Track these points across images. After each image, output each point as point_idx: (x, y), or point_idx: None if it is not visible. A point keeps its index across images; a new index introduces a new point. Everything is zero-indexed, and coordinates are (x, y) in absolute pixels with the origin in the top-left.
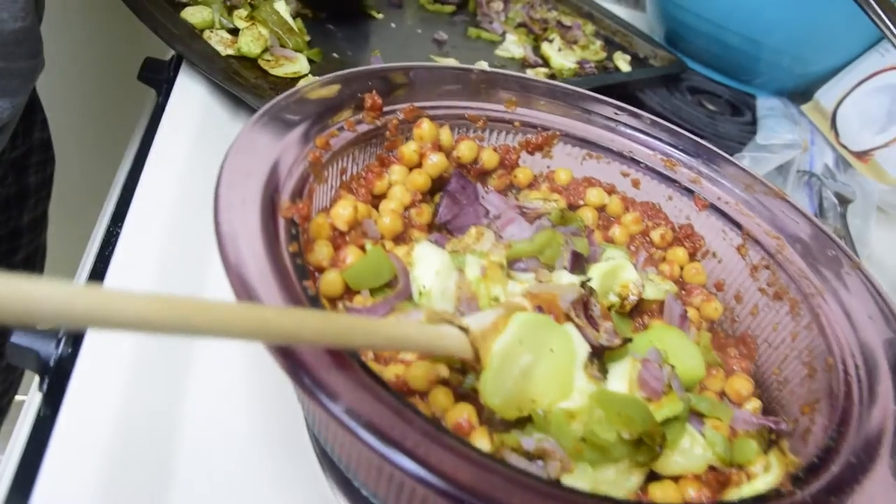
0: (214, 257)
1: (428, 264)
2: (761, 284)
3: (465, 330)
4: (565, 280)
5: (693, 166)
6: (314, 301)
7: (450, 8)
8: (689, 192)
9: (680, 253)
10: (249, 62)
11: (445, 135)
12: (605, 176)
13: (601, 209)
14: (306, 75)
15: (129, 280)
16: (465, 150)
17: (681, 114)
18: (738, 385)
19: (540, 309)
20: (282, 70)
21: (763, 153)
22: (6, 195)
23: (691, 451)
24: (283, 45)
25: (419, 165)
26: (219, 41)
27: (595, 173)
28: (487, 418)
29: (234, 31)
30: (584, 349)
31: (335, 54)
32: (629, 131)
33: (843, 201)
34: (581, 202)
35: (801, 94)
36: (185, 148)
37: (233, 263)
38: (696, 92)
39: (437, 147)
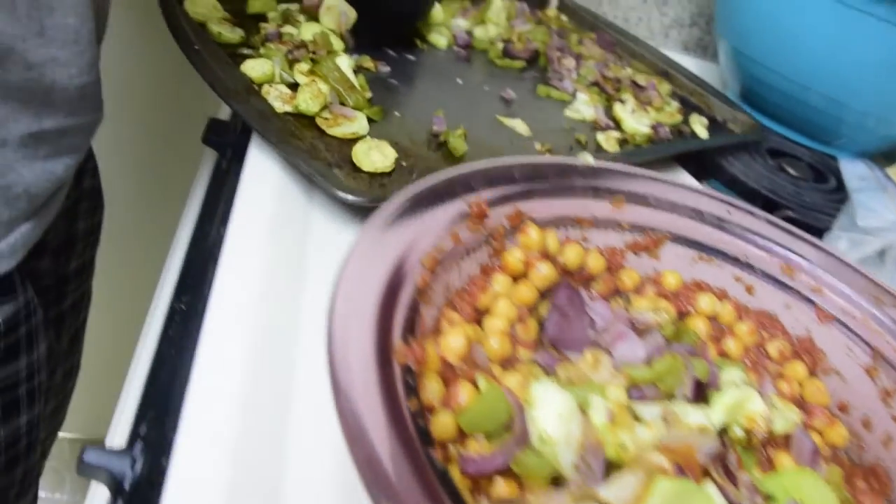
0: (302, 362)
1: (549, 407)
2: (895, 412)
3: None
4: (693, 419)
5: (813, 273)
6: (443, 476)
7: (520, 63)
8: (810, 301)
9: (799, 369)
10: (307, 120)
11: (552, 240)
12: (716, 280)
13: (713, 317)
14: (364, 136)
15: (216, 384)
16: (572, 255)
17: (764, 182)
18: None
19: (679, 468)
20: (339, 130)
21: (862, 235)
22: (55, 243)
23: None
24: (342, 103)
25: (524, 275)
26: (277, 97)
27: (705, 276)
28: None
29: (294, 86)
30: None
31: (397, 112)
32: (743, 231)
33: None
34: (691, 309)
35: (883, 154)
36: (263, 230)
37: (351, 425)
38: (776, 154)
39: (545, 255)
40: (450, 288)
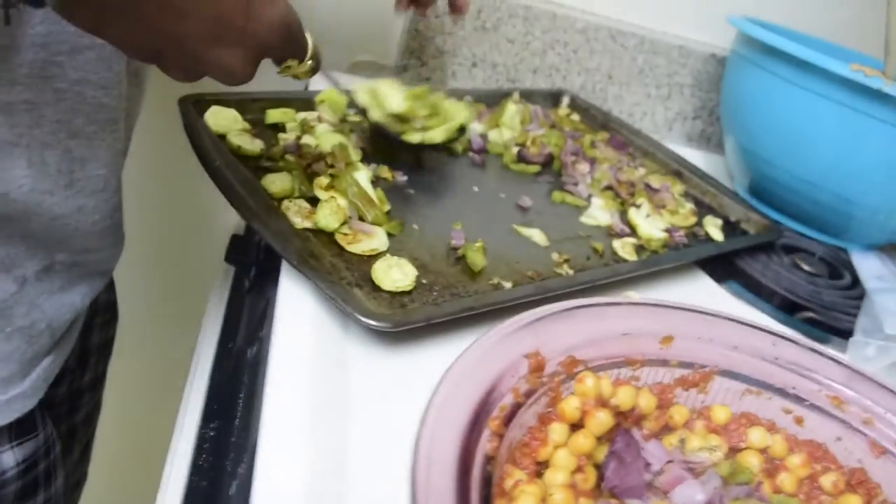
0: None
1: None
2: None
3: None
4: None
5: (863, 404)
6: None
7: (534, 168)
8: (861, 432)
9: (855, 502)
10: (326, 236)
11: (606, 386)
12: (764, 412)
13: (764, 451)
14: (384, 253)
15: None
16: (625, 398)
17: (782, 282)
18: None
19: None
20: (359, 247)
21: (888, 342)
22: (70, 361)
23: None
24: (361, 219)
25: (581, 422)
26: (296, 211)
27: (754, 409)
28: None
29: (313, 201)
30: None
31: (415, 225)
32: (789, 363)
33: None
34: (742, 443)
35: (894, 246)
36: (305, 361)
37: None
38: (789, 250)
39: (601, 402)
40: (511, 442)
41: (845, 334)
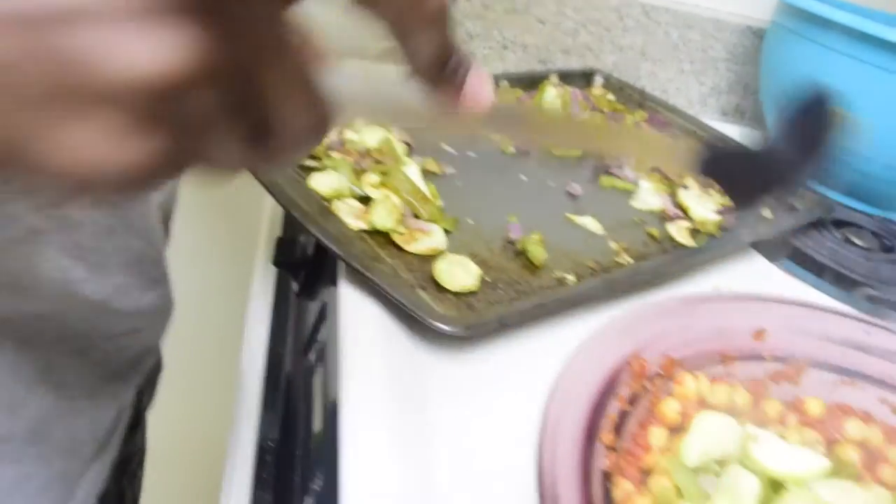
0: None
1: None
2: None
3: None
4: None
5: None
6: None
7: (577, 151)
8: None
9: None
10: (382, 237)
11: (704, 385)
12: (858, 402)
13: (862, 444)
14: (443, 251)
15: None
16: (722, 396)
17: (839, 259)
18: None
19: None
20: (417, 246)
21: None
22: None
23: None
24: (416, 216)
25: (681, 425)
26: (349, 212)
27: (848, 400)
28: None
29: (364, 199)
30: None
31: (469, 220)
32: (883, 352)
33: None
34: (838, 436)
35: None
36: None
37: None
38: (840, 225)
39: (700, 401)
40: (617, 450)
41: None
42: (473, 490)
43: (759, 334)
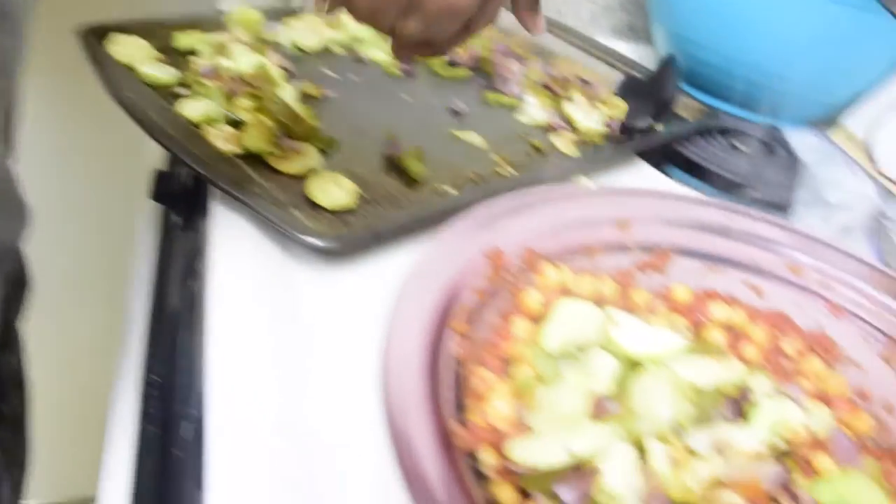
0: (320, 421)
1: (612, 461)
2: None
3: None
4: (744, 443)
5: (819, 268)
6: None
7: (465, 72)
8: (819, 295)
9: (816, 364)
10: (257, 160)
11: (567, 276)
12: (724, 286)
13: (727, 326)
14: (318, 170)
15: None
16: (588, 286)
17: (722, 164)
18: None
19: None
20: (291, 166)
21: (830, 210)
22: None
23: None
24: (291, 137)
25: (544, 315)
26: (220, 137)
27: (714, 284)
28: None
29: (237, 124)
30: None
31: (348, 139)
32: (746, 236)
33: None
34: (704, 319)
35: (824, 121)
36: (247, 290)
37: None
38: (727, 133)
39: (562, 291)
40: (475, 342)
41: (787, 209)
42: (348, 403)
43: (623, 224)
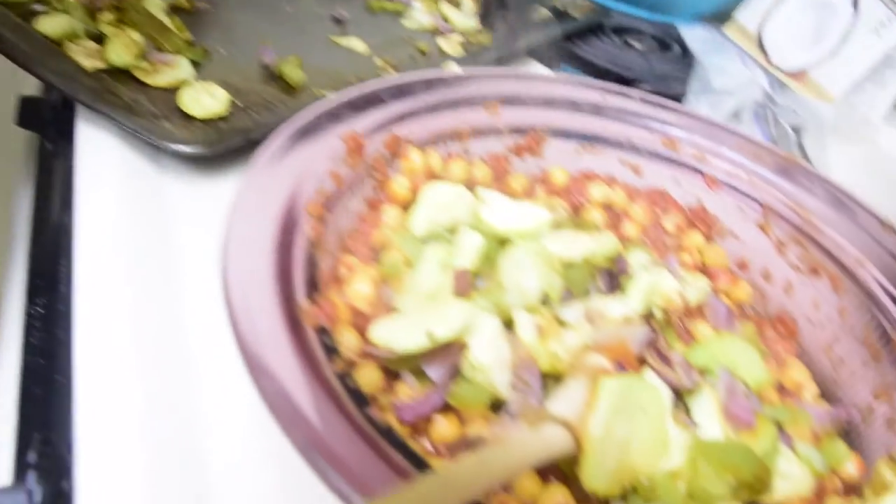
0: (193, 339)
1: (478, 335)
2: (791, 260)
3: (566, 424)
4: (616, 312)
5: (694, 142)
6: (387, 432)
7: None
8: (697, 171)
9: (696, 238)
10: (124, 75)
11: (435, 160)
12: (602, 167)
13: (606, 205)
14: (190, 81)
15: (105, 386)
16: (458, 171)
17: (616, 60)
18: (795, 374)
19: (619, 364)
20: (161, 79)
21: (718, 96)
22: None
23: (791, 474)
24: (159, 49)
25: (413, 201)
26: (84, 54)
27: (592, 166)
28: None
29: (101, 39)
30: (667, 396)
31: (222, 50)
32: (620, 114)
33: (797, 129)
34: (584, 201)
35: (717, 17)
36: (114, 211)
37: (280, 406)
38: (620, 31)
39: (430, 176)
40: (341, 231)
41: (679, 101)
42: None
43: (492, 107)
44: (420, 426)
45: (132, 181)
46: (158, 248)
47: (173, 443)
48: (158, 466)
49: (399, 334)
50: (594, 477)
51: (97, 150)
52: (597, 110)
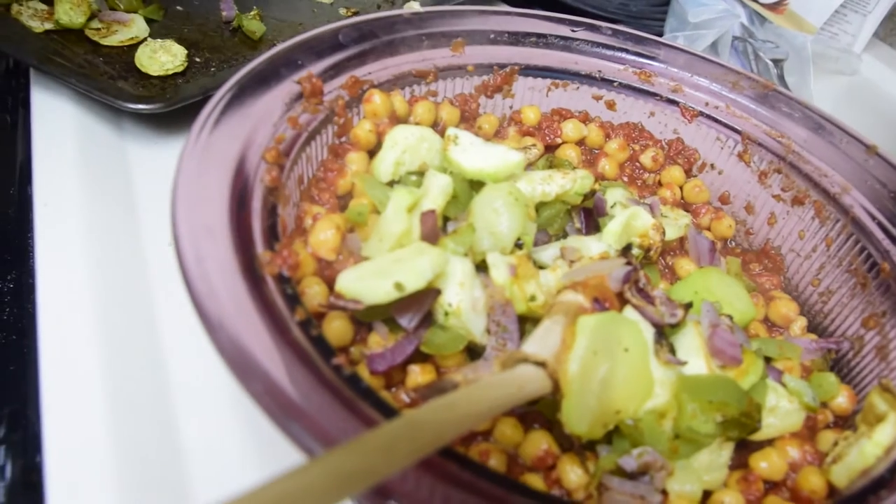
0: (161, 305)
1: (448, 278)
2: (774, 191)
3: (541, 364)
4: (595, 250)
5: (669, 73)
6: (353, 380)
7: None
8: (673, 102)
9: (676, 172)
10: (75, 35)
11: (399, 102)
12: (575, 104)
13: (581, 143)
14: (145, 39)
15: (71, 357)
16: (424, 113)
17: (591, 1)
18: (782, 307)
19: (597, 301)
20: (115, 38)
21: (695, 31)
22: None
23: (780, 408)
24: (112, 8)
25: (378, 145)
26: (32, 15)
27: (564, 103)
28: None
29: (51, 1)
30: (649, 333)
31: (179, 6)
32: (591, 48)
33: (777, 61)
34: (558, 139)
35: None
36: (73, 179)
37: (237, 361)
38: None
39: (394, 119)
40: (303, 179)
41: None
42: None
43: (457, 45)
44: (394, 377)
45: (91, 146)
46: (120, 213)
47: (142, 410)
48: (127, 433)
49: (367, 285)
50: (575, 419)
51: (54, 117)
52: (567, 45)
